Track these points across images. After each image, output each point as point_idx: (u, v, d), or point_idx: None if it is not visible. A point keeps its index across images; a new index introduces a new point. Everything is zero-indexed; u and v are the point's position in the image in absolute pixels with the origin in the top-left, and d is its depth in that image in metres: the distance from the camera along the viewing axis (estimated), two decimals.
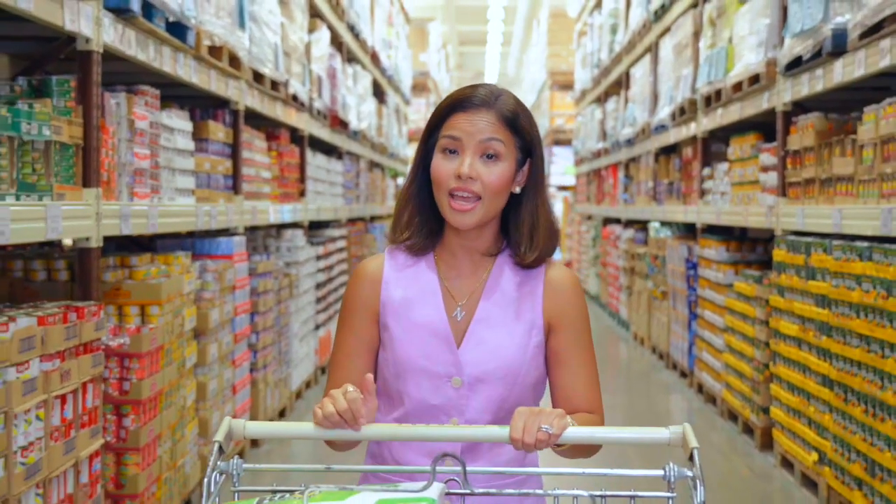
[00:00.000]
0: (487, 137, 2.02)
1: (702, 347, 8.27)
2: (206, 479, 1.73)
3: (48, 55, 4.09)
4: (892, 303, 4.37)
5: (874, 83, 5.45)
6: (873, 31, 4.71)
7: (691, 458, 1.74)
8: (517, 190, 2.08)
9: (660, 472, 1.75)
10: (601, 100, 15.58)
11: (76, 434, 3.57)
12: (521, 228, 2.09)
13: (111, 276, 4.50)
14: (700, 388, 8.37)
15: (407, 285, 2.09)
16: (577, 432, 1.83)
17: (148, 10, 4.39)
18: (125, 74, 5.03)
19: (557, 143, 25.00)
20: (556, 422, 1.81)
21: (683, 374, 9.12)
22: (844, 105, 6.06)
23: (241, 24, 6.04)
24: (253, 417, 6.50)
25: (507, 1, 28.94)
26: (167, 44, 4.73)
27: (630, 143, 12.42)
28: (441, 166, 2.04)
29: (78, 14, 3.76)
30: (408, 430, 1.86)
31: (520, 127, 2.06)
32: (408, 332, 2.06)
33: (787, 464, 5.99)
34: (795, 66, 5.84)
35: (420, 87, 22.97)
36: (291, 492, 1.68)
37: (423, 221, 2.11)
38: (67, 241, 5.66)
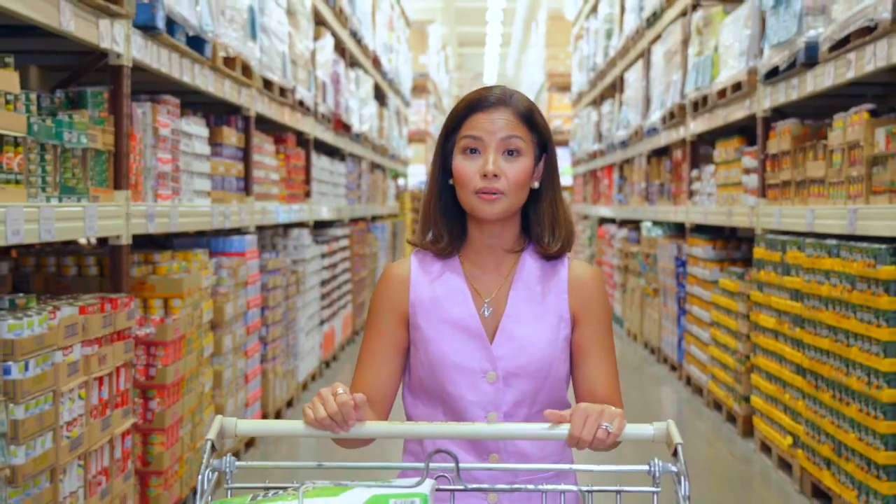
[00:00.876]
0: (508, 135, 2.08)
1: (690, 341, 8.65)
2: (199, 477, 1.75)
3: (82, 69, 4.46)
4: (856, 296, 4.75)
5: (851, 91, 5.82)
6: (841, 45, 5.08)
7: (675, 453, 1.77)
8: (536, 185, 2.14)
9: (645, 468, 1.78)
10: (597, 102, 15.95)
11: (111, 413, 3.96)
12: (543, 221, 2.14)
13: (137, 272, 4.87)
14: (688, 381, 8.76)
15: (435, 285, 2.14)
16: (559, 429, 1.87)
17: (171, 26, 4.77)
18: (145, 83, 5.39)
19: (557, 144, 25.36)
20: (618, 422, 1.85)
21: (673, 368, 9.50)
22: (823, 111, 6.43)
23: (253, 36, 6.42)
24: (263, 406, 6.88)
25: (505, 3, 29.30)
26: (187, 56, 5.11)
27: (624, 145, 12.79)
28: (464, 166, 2.08)
29: (111, 32, 4.14)
30: (407, 428, 1.93)
31: (536, 123, 2.12)
32: (439, 331, 2.10)
33: (765, 448, 6.37)
34: (773, 75, 6.21)
35: (420, 89, 23.27)
36: (284, 488, 1.69)
37: (447, 224, 2.16)
38: (82, 240, 6.02)
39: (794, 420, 5.71)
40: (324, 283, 9.52)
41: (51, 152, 3.66)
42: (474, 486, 1.84)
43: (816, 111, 6.55)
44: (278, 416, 7.28)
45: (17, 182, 3.36)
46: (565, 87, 23.67)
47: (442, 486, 1.79)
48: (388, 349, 2.13)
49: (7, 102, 3.30)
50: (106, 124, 4.20)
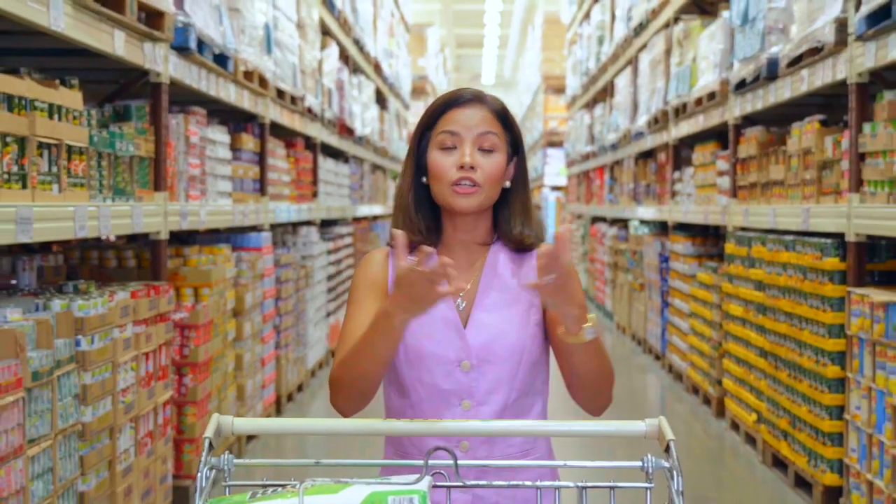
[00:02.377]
0: (484, 130, 2.12)
1: (672, 332, 9.27)
2: (198, 475, 1.75)
3: (127, 85, 5.07)
4: (807, 285, 5.38)
5: (814, 101, 6.42)
6: (797, 62, 5.70)
7: (668, 449, 1.77)
8: (507, 184, 2.18)
9: (638, 464, 1.78)
10: (589, 105, 16.57)
11: (155, 384, 4.58)
12: (514, 219, 2.18)
13: (170, 264, 5.48)
14: (670, 369, 9.38)
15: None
16: (552, 426, 1.94)
17: (200, 46, 5.38)
18: (172, 94, 5.99)
19: (551, 144, 25.95)
20: (579, 296, 1.95)
21: (657, 357, 10.13)
22: (789, 118, 7.02)
23: (268, 50, 7.03)
24: (277, 389, 7.49)
25: (502, 6, 29.89)
26: (213, 72, 5.72)
27: (614, 147, 13.41)
28: (441, 160, 2.13)
29: (153, 54, 4.76)
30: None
31: (509, 122, 2.17)
32: (415, 321, 2.06)
33: (735, 426, 7.00)
34: (742, 86, 6.83)
35: (419, 91, 23.78)
36: (283, 485, 1.69)
37: (422, 220, 2.19)
38: (101, 235, 6.58)
39: (758, 398, 6.33)
40: (330, 277, 10.13)
41: (106, 159, 4.27)
42: (472, 482, 1.84)
43: (785, 118, 7.16)
44: (290, 399, 7.89)
45: (82, 185, 3.97)
46: (560, 90, 24.20)
47: (439, 483, 1.79)
48: None
49: (74, 118, 3.91)
50: (147, 134, 4.81)
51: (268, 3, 7.09)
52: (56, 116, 3.75)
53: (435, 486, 1.74)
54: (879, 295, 4.49)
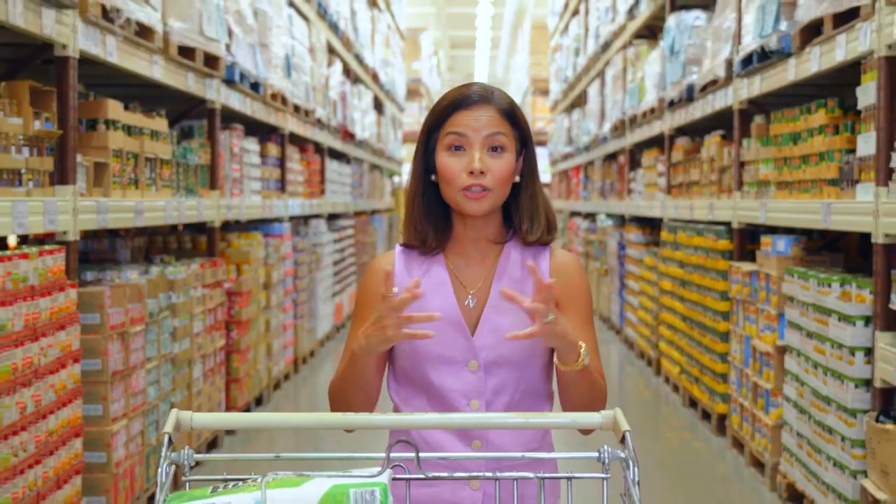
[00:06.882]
0: (492, 132, 2.10)
1: (627, 309, 10.89)
2: (158, 471, 1.71)
3: (190, 110, 6.66)
4: (709, 262, 7.00)
5: (726, 116, 7.98)
6: (705, 89, 7.31)
7: (623, 440, 1.77)
8: (517, 179, 2.16)
9: (594, 455, 1.78)
10: (568, 110, 18.17)
11: (214, 334, 6.18)
12: (523, 213, 2.17)
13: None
14: (626, 340, 11.01)
15: (418, 278, 2.13)
16: (508, 419, 1.90)
17: (241, 78, 6.98)
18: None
19: (538, 143, 27.26)
20: (573, 332, 1.96)
21: (617, 332, 11.77)
22: (709, 129, 8.61)
23: (288, 74, 8.63)
24: (294, 352, 9.09)
25: (494, 10, 31.35)
26: (249, 96, 7.32)
27: (587, 149, 15.01)
28: (450, 164, 2.10)
29: (210, 87, 6.35)
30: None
31: (517, 119, 2.14)
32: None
33: (667, 380, 8.63)
34: (672, 104, 8.44)
35: (413, 93, 25.22)
36: (244, 480, 1.67)
37: (431, 220, 2.17)
38: (179, 223, 8.16)
39: (680, 354, 7.95)
40: (335, 263, 11.74)
41: (182, 167, 5.88)
42: (433, 474, 1.80)
43: (706, 129, 8.73)
44: (304, 361, 9.49)
45: (168, 187, 5.58)
46: (547, 92, 25.60)
47: (398, 476, 1.75)
48: None
49: (164, 138, 5.51)
50: (206, 147, 6.42)
51: (287, 35, 8.69)
52: (154, 138, 5.34)
53: (395, 479, 1.71)
54: (747, 266, 6.11)
